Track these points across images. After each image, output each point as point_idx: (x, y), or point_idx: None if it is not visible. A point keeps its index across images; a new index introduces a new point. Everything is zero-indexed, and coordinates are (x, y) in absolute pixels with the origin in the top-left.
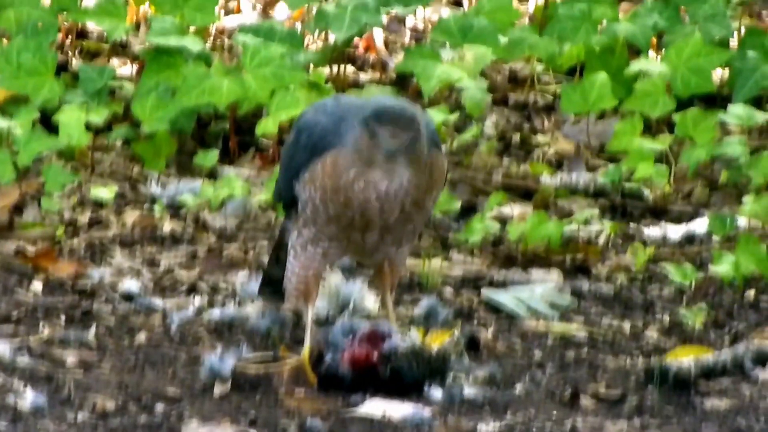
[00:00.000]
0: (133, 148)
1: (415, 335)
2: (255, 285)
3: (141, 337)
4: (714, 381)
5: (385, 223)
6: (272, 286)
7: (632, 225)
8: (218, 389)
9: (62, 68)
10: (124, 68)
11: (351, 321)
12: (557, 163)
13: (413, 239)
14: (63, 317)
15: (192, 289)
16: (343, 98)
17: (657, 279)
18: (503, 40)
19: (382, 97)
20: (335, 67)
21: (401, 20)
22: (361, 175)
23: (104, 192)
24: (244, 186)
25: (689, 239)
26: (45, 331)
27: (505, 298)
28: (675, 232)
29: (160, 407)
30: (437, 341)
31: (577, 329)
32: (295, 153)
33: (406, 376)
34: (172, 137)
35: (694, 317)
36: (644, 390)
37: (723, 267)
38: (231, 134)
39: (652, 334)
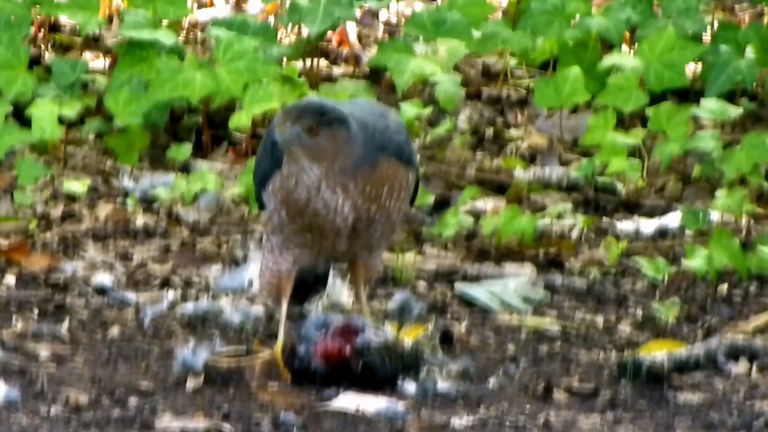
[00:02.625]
0: (106, 142)
1: (388, 330)
2: (228, 279)
3: (114, 330)
4: (687, 375)
5: (343, 232)
6: None
7: (605, 219)
8: (191, 383)
9: (35, 62)
10: (97, 62)
11: (324, 315)
12: (530, 158)
13: (384, 245)
14: (36, 311)
15: (165, 283)
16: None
17: (630, 273)
18: (476, 34)
19: (363, 100)
20: (308, 61)
21: (374, 14)
22: (310, 186)
23: (77, 186)
24: (217, 180)
25: (662, 233)
26: (18, 324)
27: (478, 292)
28: (648, 226)
29: (133, 401)
30: (411, 336)
31: (550, 323)
32: (262, 160)
33: (378, 371)
34: (145, 131)
35: (667, 311)
36: (617, 384)
37: (696, 261)
38: (204, 128)
39: (625, 328)
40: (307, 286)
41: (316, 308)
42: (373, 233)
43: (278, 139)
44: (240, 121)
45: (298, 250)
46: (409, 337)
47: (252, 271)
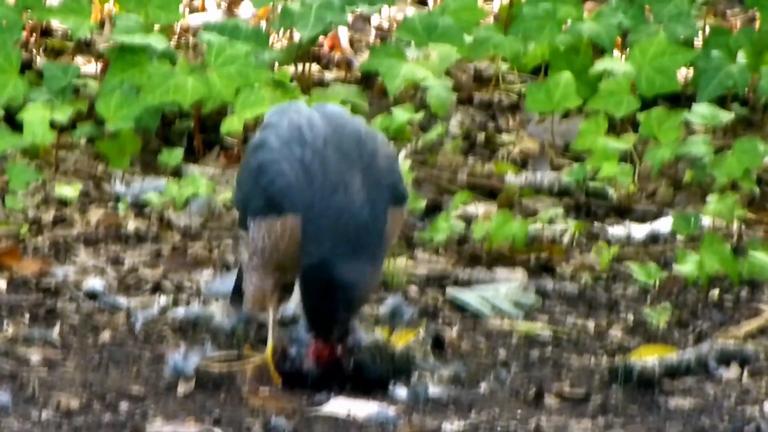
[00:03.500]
0: (98, 147)
1: (379, 334)
2: (220, 283)
3: (105, 335)
4: (678, 380)
5: None
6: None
7: (596, 224)
8: (182, 388)
9: (26, 66)
10: (89, 66)
11: None
12: (522, 162)
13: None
14: (27, 315)
15: (156, 288)
16: (317, 141)
17: (621, 278)
18: (468, 39)
19: (349, 134)
20: (300, 66)
21: (366, 19)
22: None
23: (68, 190)
24: (208, 184)
25: (653, 238)
26: (9, 329)
27: (469, 297)
28: (639, 231)
29: (124, 406)
30: (402, 340)
31: (541, 328)
32: (252, 192)
33: (369, 371)
34: (136, 135)
35: (659, 316)
36: (608, 389)
37: (687, 266)
38: (196, 133)
39: (616, 333)
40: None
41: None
42: None
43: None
44: (232, 125)
45: (278, 274)
46: (400, 342)
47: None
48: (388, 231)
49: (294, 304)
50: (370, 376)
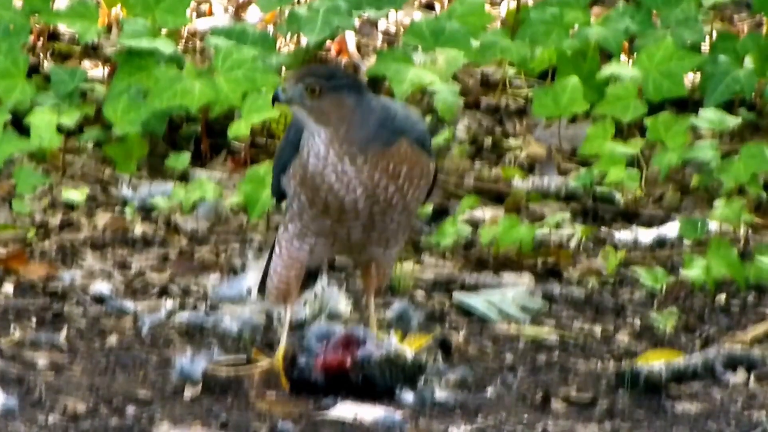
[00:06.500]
0: (105, 151)
1: (392, 341)
2: (226, 288)
3: (112, 339)
4: (685, 385)
5: (360, 214)
6: None
7: (603, 229)
8: (189, 392)
9: (34, 70)
10: (96, 70)
11: (326, 325)
12: (529, 167)
13: (401, 241)
14: (34, 319)
15: (163, 292)
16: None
17: (628, 283)
18: (475, 43)
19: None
20: None
21: (373, 23)
22: (319, 154)
23: (75, 194)
24: (215, 188)
25: (660, 243)
26: (16, 333)
27: (476, 301)
28: (646, 235)
29: (131, 410)
30: (414, 346)
31: (548, 333)
32: (284, 147)
33: (378, 383)
34: (143, 140)
35: (665, 321)
36: (615, 393)
37: (694, 271)
38: (203, 137)
39: (623, 337)
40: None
41: (317, 318)
42: (389, 223)
43: (280, 95)
44: (239, 129)
45: (314, 239)
46: (412, 348)
47: (250, 280)
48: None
49: (308, 308)
50: (380, 389)
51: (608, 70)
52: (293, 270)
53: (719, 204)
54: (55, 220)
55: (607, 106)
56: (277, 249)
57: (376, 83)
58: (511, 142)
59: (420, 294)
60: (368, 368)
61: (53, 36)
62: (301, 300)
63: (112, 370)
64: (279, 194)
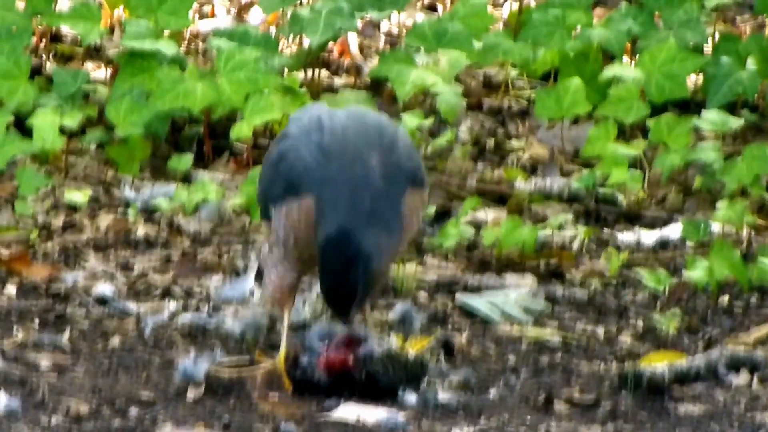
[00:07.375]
0: (107, 152)
1: (392, 340)
2: (229, 289)
3: (115, 341)
4: (688, 386)
5: None
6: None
7: (606, 230)
8: (192, 393)
9: (36, 72)
10: (99, 72)
11: (328, 325)
12: (531, 168)
13: (400, 255)
14: (37, 321)
15: (166, 293)
16: (335, 127)
17: (631, 284)
18: (478, 45)
19: (372, 121)
20: (310, 72)
21: (376, 25)
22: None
23: (78, 196)
24: (218, 190)
25: (663, 245)
26: (19, 334)
27: (479, 302)
28: (649, 237)
29: (134, 411)
30: (416, 347)
31: (551, 334)
32: (273, 179)
33: (381, 381)
34: (146, 141)
35: (668, 323)
36: (618, 395)
37: (697, 272)
38: (205, 138)
39: (625, 339)
40: None
41: (319, 319)
42: None
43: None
44: (241, 131)
45: (300, 266)
46: (414, 349)
47: (253, 281)
48: (406, 209)
49: (308, 307)
50: (383, 386)
51: (611, 71)
52: (287, 280)
53: (722, 205)
54: (58, 221)
55: (609, 107)
56: (267, 262)
57: (379, 85)
58: (514, 143)
59: (422, 295)
60: (371, 365)
61: (56, 37)
62: (302, 300)
63: (114, 371)
64: (263, 211)
